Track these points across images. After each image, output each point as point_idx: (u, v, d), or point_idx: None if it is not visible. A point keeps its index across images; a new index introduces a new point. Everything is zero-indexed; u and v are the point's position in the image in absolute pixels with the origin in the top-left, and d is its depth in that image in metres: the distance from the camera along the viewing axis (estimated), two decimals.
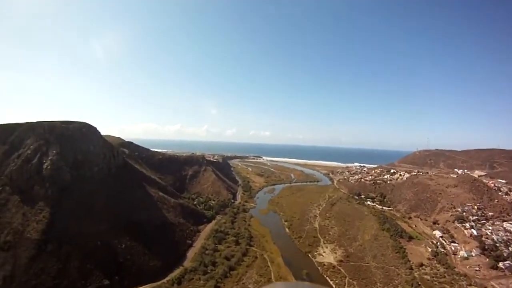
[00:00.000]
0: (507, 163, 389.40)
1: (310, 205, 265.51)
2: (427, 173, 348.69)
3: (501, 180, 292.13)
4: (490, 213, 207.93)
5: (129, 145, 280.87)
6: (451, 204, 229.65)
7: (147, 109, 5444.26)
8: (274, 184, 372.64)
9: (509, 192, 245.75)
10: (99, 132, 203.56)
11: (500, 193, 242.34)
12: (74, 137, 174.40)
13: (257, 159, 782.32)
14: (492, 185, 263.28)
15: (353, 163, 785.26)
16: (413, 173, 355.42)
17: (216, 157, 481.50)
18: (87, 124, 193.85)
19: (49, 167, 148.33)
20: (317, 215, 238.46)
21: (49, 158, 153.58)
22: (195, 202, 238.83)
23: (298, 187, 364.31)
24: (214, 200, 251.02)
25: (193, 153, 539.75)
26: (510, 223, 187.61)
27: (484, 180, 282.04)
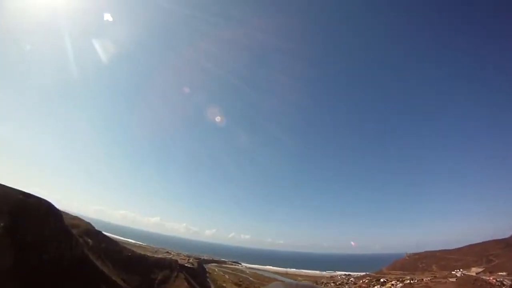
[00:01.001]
0: (503, 253, 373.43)
1: None
2: (422, 279, 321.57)
3: (501, 273, 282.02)
4: None
5: (97, 234, 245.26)
6: None
7: (128, 195, 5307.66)
8: None
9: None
10: (61, 216, 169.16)
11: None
12: (29, 214, 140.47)
13: (235, 265, 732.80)
14: (494, 281, 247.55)
15: (335, 271, 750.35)
16: (406, 281, 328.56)
17: (191, 260, 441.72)
18: (49, 203, 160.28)
19: None
20: None
21: None
22: None
23: None
24: None
25: (167, 252, 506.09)
26: None
27: (484, 277, 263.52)
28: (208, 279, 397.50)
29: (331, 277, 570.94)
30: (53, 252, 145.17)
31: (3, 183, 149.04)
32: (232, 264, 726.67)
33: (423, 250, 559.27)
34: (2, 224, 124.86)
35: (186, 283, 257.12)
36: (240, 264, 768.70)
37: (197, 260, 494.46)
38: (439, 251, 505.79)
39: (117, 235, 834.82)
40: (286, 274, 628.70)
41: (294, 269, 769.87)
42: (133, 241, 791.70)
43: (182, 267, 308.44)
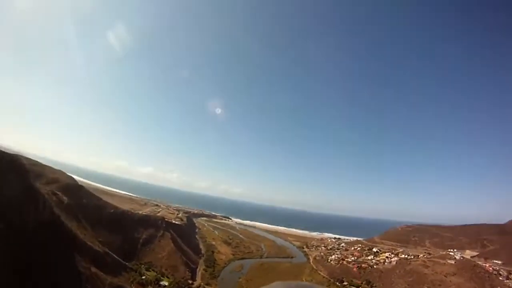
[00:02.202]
0: (497, 240, 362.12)
1: None
2: (418, 256, 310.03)
3: (496, 261, 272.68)
4: None
5: (78, 190, 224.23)
6: None
7: (125, 146, 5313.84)
8: (242, 258, 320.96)
9: (509, 276, 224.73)
10: (26, 172, 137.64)
11: (500, 278, 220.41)
12: None
13: (226, 220, 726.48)
14: (491, 269, 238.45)
15: (324, 233, 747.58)
16: (401, 256, 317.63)
17: (180, 215, 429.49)
18: (12, 157, 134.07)
19: None
20: None
21: None
22: (143, 277, 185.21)
23: (270, 264, 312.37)
24: (168, 278, 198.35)
25: (156, 205, 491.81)
26: None
27: (481, 263, 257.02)
28: (196, 236, 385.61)
29: (321, 239, 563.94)
30: (13, 217, 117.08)
31: None
32: (222, 219, 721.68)
33: (415, 223, 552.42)
34: None
35: (172, 244, 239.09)
36: (230, 219, 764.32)
37: (186, 215, 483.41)
38: (432, 225, 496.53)
39: (108, 186, 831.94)
40: (275, 233, 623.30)
41: (284, 228, 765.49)
42: (123, 192, 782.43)
43: (169, 224, 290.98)
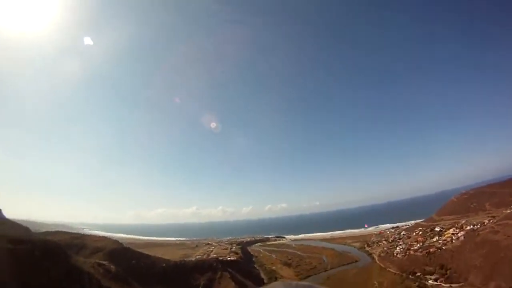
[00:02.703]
0: None
1: None
2: (484, 223, 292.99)
3: None
4: None
5: (125, 253, 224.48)
6: None
7: (161, 193, 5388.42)
8: (307, 276, 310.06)
9: None
10: (65, 254, 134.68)
11: None
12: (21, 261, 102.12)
13: (279, 240, 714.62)
14: None
15: (378, 225, 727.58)
16: (467, 228, 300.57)
17: (233, 249, 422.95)
18: (48, 243, 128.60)
19: None
20: None
21: None
22: None
23: (337, 275, 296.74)
24: None
25: (208, 244, 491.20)
26: None
27: None
28: (255, 265, 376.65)
29: (380, 233, 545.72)
30: None
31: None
32: (276, 240, 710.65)
33: (468, 186, 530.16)
34: None
35: (233, 283, 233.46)
36: (284, 237, 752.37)
37: (239, 246, 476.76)
38: (486, 186, 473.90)
39: (154, 237, 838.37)
40: (332, 240, 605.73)
41: (339, 231, 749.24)
42: (173, 238, 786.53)
43: (225, 264, 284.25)
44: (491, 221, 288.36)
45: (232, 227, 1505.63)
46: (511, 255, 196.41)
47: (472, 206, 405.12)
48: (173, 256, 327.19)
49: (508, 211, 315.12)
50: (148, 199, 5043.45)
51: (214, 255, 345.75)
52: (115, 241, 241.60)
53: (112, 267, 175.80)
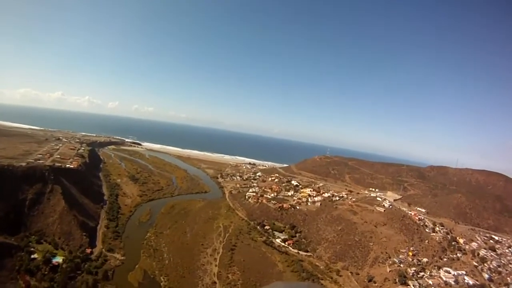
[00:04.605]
0: (417, 184, 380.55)
1: (202, 251, 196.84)
2: (342, 196, 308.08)
3: (420, 209, 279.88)
4: (425, 259, 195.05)
5: None
6: (385, 252, 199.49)
7: (27, 71, 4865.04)
8: (151, 199, 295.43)
9: (434, 228, 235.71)
10: None
11: (427, 230, 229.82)
12: None
13: (135, 146, 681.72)
14: (417, 219, 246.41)
15: (237, 156, 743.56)
16: (325, 195, 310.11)
17: (81, 150, 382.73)
18: None
19: None
20: (215, 275, 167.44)
21: None
22: (32, 256, 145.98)
23: (182, 204, 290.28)
24: (63, 249, 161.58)
25: (58, 139, 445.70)
26: (445, 271, 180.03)
27: (406, 210, 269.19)
28: (100, 174, 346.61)
29: (236, 165, 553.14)
30: None
31: None
32: (131, 146, 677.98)
33: (333, 154, 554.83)
34: None
35: (63, 201, 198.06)
36: (141, 144, 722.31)
37: (90, 147, 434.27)
38: (350, 159, 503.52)
39: (9, 122, 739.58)
40: (188, 159, 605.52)
41: (197, 151, 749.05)
42: (25, 126, 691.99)
43: (62, 172, 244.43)
44: (349, 197, 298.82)
45: (96, 121, 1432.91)
46: (365, 242, 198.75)
47: (332, 172, 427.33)
48: (13, 152, 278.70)
49: (366, 192, 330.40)
50: (9, 77, 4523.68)
51: (57, 156, 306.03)
52: None
53: None
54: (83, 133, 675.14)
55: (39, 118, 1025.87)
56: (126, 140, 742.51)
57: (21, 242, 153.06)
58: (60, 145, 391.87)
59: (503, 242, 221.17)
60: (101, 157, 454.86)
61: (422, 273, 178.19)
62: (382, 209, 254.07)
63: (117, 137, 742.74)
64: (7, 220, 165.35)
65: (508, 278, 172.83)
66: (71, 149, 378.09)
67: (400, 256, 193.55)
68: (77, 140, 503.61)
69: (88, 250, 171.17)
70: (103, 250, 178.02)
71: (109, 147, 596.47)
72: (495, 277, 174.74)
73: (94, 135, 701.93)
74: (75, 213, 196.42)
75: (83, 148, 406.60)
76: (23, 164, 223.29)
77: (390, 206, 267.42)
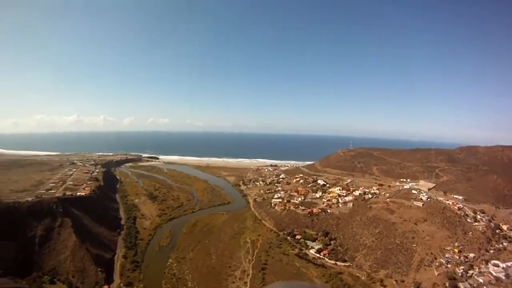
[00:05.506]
0: (448, 168, 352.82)
1: (230, 275, 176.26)
2: (375, 193, 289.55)
3: (457, 197, 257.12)
4: (471, 254, 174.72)
5: None
6: (430, 253, 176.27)
7: (39, 98, 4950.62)
8: (171, 218, 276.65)
9: (476, 217, 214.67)
10: None
11: (469, 220, 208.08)
12: None
13: (152, 161, 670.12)
14: (456, 208, 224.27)
15: (257, 159, 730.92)
16: (356, 193, 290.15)
17: (95, 173, 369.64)
18: None
19: None
20: None
21: None
22: None
23: (205, 221, 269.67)
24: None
25: (73, 163, 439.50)
26: (494, 264, 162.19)
27: (444, 200, 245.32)
28: (117, 196, 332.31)
29: (258, 169, 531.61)
30: None
31: None
32: (148, 161, 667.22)
33: (356, 145, 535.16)
34: None
35: (74, 235, 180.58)
36: (158, 158, 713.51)
37: (105, 169, 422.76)
38: (375, 149, 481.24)
39: (27, 150, 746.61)
40: (207, 167, 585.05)
41: (216, 158, 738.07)
42: (42, 153, 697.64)
43: (69, 203, 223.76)
44: (382, 193, 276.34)
45: (112, 139, 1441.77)
46: (407, 243, 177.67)
47: (358, 165, 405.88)
48: (24, 184, 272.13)
49: (398, 184, 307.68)
50: (24, 105, 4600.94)
51: (70, 183, 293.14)
52: None
53: None
54: (99, 153, 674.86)
55: (55, 143, 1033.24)
56: (143, 155, 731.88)
57: (33, 284, 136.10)
58: (74, 170, 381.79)
59: None
60: (118, 177, 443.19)
61: (471, 271, 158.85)
62: (420, 204, 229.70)
63: (133, 154, 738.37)
64: (17, 261, 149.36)
65: None
66: (85, 173, 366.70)
67: (446, 255, 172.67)
68: (92, 162, 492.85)
69: (106, 287, 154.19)
70: (121, 285, 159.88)
71: (126, 165, 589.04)
72: None
73: (111, 154, 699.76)
74: (88, 246, 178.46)
75: (97, 171, 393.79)
76: (29, 199, 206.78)
77: (428, 199, 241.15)
